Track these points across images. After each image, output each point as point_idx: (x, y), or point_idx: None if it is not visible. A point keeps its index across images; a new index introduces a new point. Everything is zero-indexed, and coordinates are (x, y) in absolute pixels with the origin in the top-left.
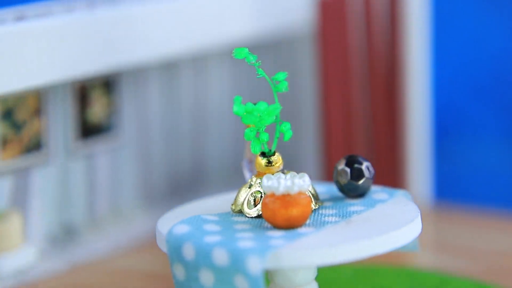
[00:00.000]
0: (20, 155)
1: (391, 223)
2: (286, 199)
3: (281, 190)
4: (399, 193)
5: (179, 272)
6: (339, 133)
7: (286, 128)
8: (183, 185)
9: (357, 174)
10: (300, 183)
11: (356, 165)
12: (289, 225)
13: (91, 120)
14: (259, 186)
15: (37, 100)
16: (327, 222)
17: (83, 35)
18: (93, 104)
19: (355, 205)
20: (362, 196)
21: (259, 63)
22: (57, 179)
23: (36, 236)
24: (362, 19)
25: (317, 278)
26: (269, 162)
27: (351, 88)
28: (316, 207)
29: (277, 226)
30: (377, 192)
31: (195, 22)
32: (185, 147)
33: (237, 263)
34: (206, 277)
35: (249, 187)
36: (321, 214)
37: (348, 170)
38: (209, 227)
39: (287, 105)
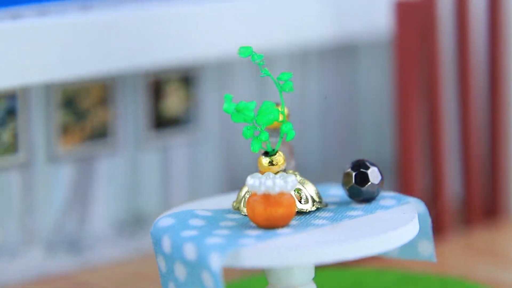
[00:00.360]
0: (83, 143)
1: (375, 230)
2: (267, 198)
3: (262, 189)
4: (410, 201)
5: (162, 264)
6: (418, 148)
7: (287, 129)
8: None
9: (361, 178)
10: (281, 184)
11: (361, 170)
12: (270, 225)
13: (166, 112)
14: None
15: (102, 90)
16: (313, 225)
17: (159, 28)
18: (168, 97)
19: (355, 210)
20: (369, 201)
21: (263, 62)
22: (125, 169)
23: (100, 224)
24: (452, 22)
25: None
26: (271, 162)
27: (436, 100)
28: (313, 209)
29: (258, 225)
30: (386, 198)
31: (271, 22)
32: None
33: (202, 259)
34: (179, 270)
35: None
36: (313, 217)
37: (353, 174)
38: (195, 222)
39: (364, 114)
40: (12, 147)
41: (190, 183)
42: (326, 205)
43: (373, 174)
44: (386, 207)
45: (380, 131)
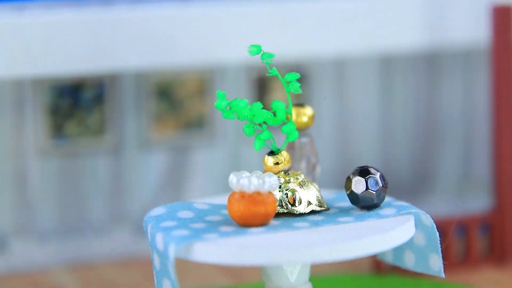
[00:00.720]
0: (177, 132)
1: (344, 236)
2: (242, 197)
3: (238, 187)
4: (413, 212)
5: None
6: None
7: (288, 129)
8: (399, 188)
9: (359, 185)
10: (256, 183)
11: (359, 176)
12: (245, 223)
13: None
14: None
15: (200, 82)
16: (291, 227)
17: (268, 24)
18: (273, 93)
19: (348, 216)
20: (369, 208)
21: (271, 61)
22: (224, 161)
23: None
24: None
25: None
26: (276, 162)
27: None
28: (306, 211)
29: (236, 222)
30: (389, 207)
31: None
32: (403, 148)
33: (165, 250)
34: (156, 260)
35: (279, 187)
36: (300, 219)
37: (352, 179)
38: (183, 214)
39: (447, 125)
40: (100, 132)
41: None
42: (328, 209)
43: (372, 181)
44: (381, 216)
45: (465, 144)
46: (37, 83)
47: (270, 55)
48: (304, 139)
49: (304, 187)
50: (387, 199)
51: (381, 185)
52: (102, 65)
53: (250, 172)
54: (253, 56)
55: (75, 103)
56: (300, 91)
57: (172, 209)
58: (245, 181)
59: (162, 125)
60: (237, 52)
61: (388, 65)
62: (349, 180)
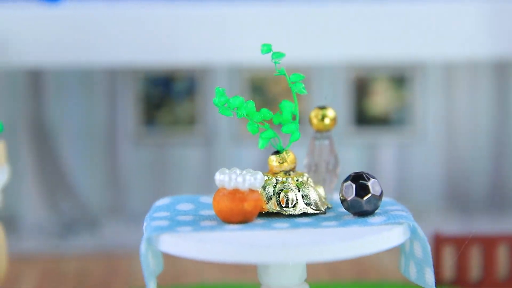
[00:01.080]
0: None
1: (306, 240)
2: (220, 192)
3: (218, 183)
4: (404, 223)
5: None
6: None
7: (289, 130)
8: (506, 196)
9: (348, 190)
10: (236, 180)
11: (350, 181)
12: (223, 219)
13: (371, 110)
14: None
15: None
16: (268, 227)
17: (374, 25)
18: (374, 95)
19: (335, 221)
20: (360, 215)
21: (279, 61)
22: None
23: None
24: None
25: None
26: (279, 161)
27: None
28: (295, 213)
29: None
30: (382, 215)
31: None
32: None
33: (147, 238)
34: (143, 247)
35: (274, 186)
36: (284, 220)
37: (343, 184)
38: (183, 206)
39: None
40: (191, 123)
41: (398, 184)
42: (325, 212)
43: (361, 188)
44: (367, 223)
45: None
46: (131, 73)
47: (281, 55)
48: (325, 141)
49: (302, 189)
50: (392, 207)
51: (371, 192)
52: (193, 56)
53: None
54: (264, 54)
55: (166, 93)
56: (305, 92)
57: (176, 201)
58: (226, 177)
59: None
60: (335, 51)
61: (502, 71)
62: (341, 185)
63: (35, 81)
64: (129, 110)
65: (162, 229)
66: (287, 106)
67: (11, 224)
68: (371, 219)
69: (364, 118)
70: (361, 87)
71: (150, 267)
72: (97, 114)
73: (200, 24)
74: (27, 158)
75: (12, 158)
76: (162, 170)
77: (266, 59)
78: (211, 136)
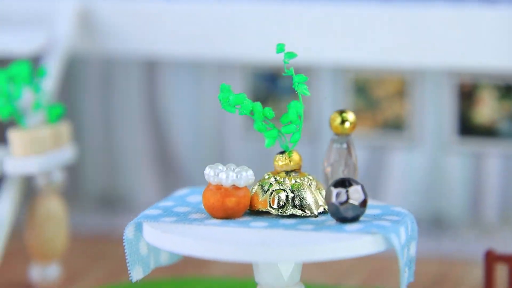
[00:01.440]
0: (374, 131)
1: (268, 241)
2: (207, 187)
3: (205, 178)
4: (380, 234)
5: None
6: None
7: (288, 130)
8: None
9: (328, 195)
10: (210, 173)
11: (332, 186)
12: (209, 212)
13: (477, 119)
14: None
15: (399, 82)
16: (247, 225)
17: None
18: (480, 103)
19: (314, 225)
20: (342, 221)
21: (288, 61)
22: (424, 166)
23: None
24: None
25: None
26: (281, 161)
27: None
28: (284, 213)
29: None
30: (362, 223)
31: None
32: None
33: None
34: (125, 232)
35: (270, 185)
36: (266, 220)
37: (327, 189)
38: (192, 198)
39: None
40: None
41: (502, 197)
42: (316, 216)
43: (339, 194)
44: (342, 230)
45: None
46: (240, 67)
47: (293, 55)
48: (344, 145)
49: (297, 190)
50: (389, 216)
51: (350, 199)
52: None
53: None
54: (278, 54)
55: (272, 89)
56: (308, 94)
57: (191, 192)
58: (211, 172)
59: (361, 122)
60: (440, 57)
61: None
62: (326, 190)
63: (152, 71)
64: None
65: (146, 217)
66: (294, 106)
67: (127, 203)
68: (348, 226)
69: (469, 127)
70: (466, 95)
71: (137, 254)
72: (207, 105)
73: (308, 23)
74: (141, 142)
75: (127, 141)
76: (266, 163)
77: (372, 60)
78: (316, 133)
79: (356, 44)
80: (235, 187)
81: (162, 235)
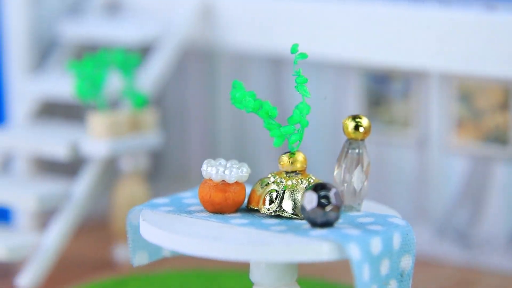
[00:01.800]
0: (477, 142)
1: (230, 239)
2: (203, 181)
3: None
4: (348, 247)
5: None
6: None
7: (287, 131)
8: None
9: (302, 199)
10: (208, 172)
11: (306, 192)
12: (204, 207)
13: None
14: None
15: (503, 92)
16: (227, 221)
17: None
18: None
19: (287, 226)
20: (313, 226)
21: (297, 62)
22: None
23: (492, 228)
24: None
25: None
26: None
27: None
28: (270, 213)
29: None
30: (333, 229)
31: None
32: None
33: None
34: (128, 218)
35: (266, 184)
36: (250, 217)
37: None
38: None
39: None
40: (405, 125)
41: None
42: (302, 219)
43: (306, 198)
44: (306, 235)
45: None
46: (358, 69)
47: (304, 56)
48: (356, 150)
49: (291, 192)
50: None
51: (315, 203)
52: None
53: None
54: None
55: (385, 91)
56: (309, 95)
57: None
58: (204, 167)
59: (463, 131)
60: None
61: None
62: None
63: (277, 69)
64: (351, 104)
65: (148, 205)
66: (301, 107)
67: None
68: (315, 231)
69: None
70: None
71: (141, 239)
72: (323, 105)
73: (422, 28)
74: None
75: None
76: (375, 167)
77: (477, 69)
78: (423, 140)
79: (462, 52)
80: (225, 183)
81: (142, 223)
